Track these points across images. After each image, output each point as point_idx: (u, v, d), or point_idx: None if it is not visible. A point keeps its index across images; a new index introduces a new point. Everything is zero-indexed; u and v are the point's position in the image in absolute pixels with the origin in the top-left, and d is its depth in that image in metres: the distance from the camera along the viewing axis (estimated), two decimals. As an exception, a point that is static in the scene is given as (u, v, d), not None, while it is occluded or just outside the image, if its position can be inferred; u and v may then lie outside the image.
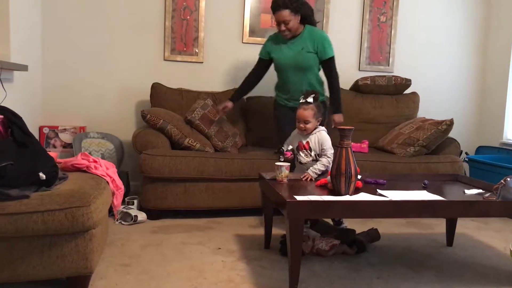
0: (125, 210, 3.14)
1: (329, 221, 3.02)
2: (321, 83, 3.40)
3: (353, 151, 2.34)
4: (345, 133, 2.27)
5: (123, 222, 3.09)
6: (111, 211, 2.58)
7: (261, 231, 2.78)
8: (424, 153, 3.74)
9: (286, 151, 2.79)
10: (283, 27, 3.17)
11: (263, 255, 2.59)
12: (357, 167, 2.31)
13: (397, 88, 4.28)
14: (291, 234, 2.08)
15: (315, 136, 2.81)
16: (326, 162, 2.73)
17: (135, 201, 3.35)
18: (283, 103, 3.39)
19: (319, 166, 2.72)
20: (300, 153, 2.83)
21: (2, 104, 2.22)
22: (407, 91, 4.39)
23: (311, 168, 2.73)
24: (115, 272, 2.27)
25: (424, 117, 4.10)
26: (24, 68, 3.13)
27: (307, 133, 2.81)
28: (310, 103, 2.76)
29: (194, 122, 3.43)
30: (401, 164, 3.56)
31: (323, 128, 2.85)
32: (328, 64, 3.32)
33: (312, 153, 2.80)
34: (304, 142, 2.83)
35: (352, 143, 2.31)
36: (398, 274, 2.39)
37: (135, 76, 4.03)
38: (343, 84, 4.30)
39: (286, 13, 3.12)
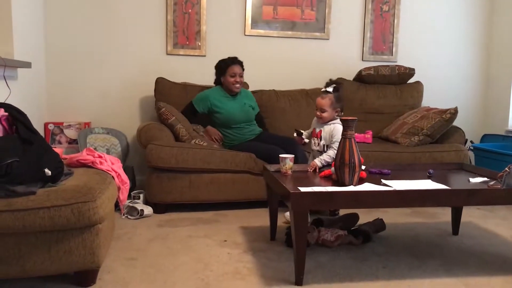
0: (131, 205, 3.16)
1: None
2: None
3: (357, 142, 2.34)
4: (349, 124, 2.27)
5: (129, 217, 3.12)
6: (117, 206, 2.59)
7: (266, 223, 2.79)
8: (429, 142, 3.73)
9: (299, 135, 2.91)
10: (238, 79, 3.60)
11: (268, 247, 2.61)
12: (361, 158, 2.31)
13: (400, 78, 4.27)
14: (295, 225, 2.08)
15: (329, 127, 2.84)
16: (332, 154, 2.73)
17: (141, 196, 3.37)
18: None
19: (325, 157, 2.75)
20: (312, 140, 2.92)
21: (6, 102, 2.23)
22: (411, 81, 4.37)
23: (318, 158, 2.77)
24: (122, 266, 2.29)
25: (428, 106, 4.08)
26: (27, 65, 3.14)
27: (323, 122, 2.85)
28: (329, 92, 2.81)
29: (198, 133, 3.51)
30: (406, 154, 3.56)
31: (339, 121, 2.83)
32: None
33: (321, 143, 2.84)
34: (318, 130, 2.89)
35: (356, 134, 2.31)
36: (404, 263, 2.39)
37: (139, 71, 4.04)
38: (347, 74, 4.33)
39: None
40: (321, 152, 2.81)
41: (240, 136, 3.58)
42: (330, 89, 2.81)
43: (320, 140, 2.85)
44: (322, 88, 2.86)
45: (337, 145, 2.66)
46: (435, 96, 4.55)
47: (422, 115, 3.83)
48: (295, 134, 2.92)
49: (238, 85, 3.59)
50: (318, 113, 2.85)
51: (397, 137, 3.81)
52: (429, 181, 2.47)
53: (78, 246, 1.97)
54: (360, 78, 4.26)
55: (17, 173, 1.90)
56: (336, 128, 2.80)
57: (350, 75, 4.34)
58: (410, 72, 4.25)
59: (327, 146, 2.81)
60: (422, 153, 3.58)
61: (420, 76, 4.40)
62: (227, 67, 3.58)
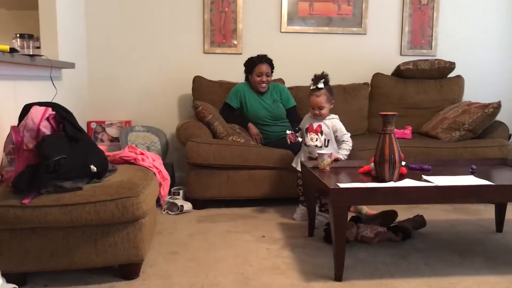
0: (171, 201, 3.23)
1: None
2: None
3: (396, 138, 2.31)
4: (388, 119, 2.24)
5: (169, 212, 3.19)
6: (158, 202, 2.65)
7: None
8: (470, 138, 3.64)
9: (291, 132, 2.89)
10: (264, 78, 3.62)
11: (307, 243, 2.61)
12: (401, 153, 2.28)
13: (440, 72, 4.17)
14: (335, 221, 2.08)
15: (329, 122, 2.84)
16: (348, 147, 2.83)
17: (181, 192, 3.44)
18: None
19: (344, 152, 2.81)
20: (308, 135, 2.85)
21: (53, 101, 2.32)
22: (451, 75, 4.27)
23: (339, 152, 2.82)
24: (164, 260, 2.35)
25: (470, 101, 3.98)
26: (71, 65, 3.26)
27: (322, 118, 2.84)
28: (321, 88, 2.78)
29: (235, 130, 3.53)
30: (447, 150, 3.48)
31: (336, 116, 2.90)
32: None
33: (323, 138, 2.81)
34: (316, 125, 2.84)
35: (395, 130, 2.28)
36: (446, 260, 2.35)
37: (177, 70, 4.11)
38: (384, 69, 4.27)
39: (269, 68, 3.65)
40: (321, 147, 2.80)
41: (272, 133, 3.59)
42: (321, 84, 2.78)
43: (321, 134, 2.82)
44: (311, 86, 2.83)
45: (346, 136, 2.84)
46: (477, 90, 4.42)
47: (464, 109, 3.73)
48: (287, 131, 2.91)
49: (264, 85, 3.61)
50: (316, 111, 2.81)
51: (437, 132, 3.73)
52: (472, 177, 2.42)
53: (122, 240, 2.03)
54: (399, 73, 4.19)
55: (64, 169, 1.98)
56: (336, 123, 2.85)
57: (388, 70, 4.28)
58: (451, 66, 4.15)
59: (328, 140, 2.82)
60: (464, 149, 3.49)
61: (461, 70, 4.28)
62: (254, 66, 3.60)
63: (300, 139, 2.89)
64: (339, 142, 2.85)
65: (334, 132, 2.84)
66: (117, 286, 2.06)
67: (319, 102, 2.79)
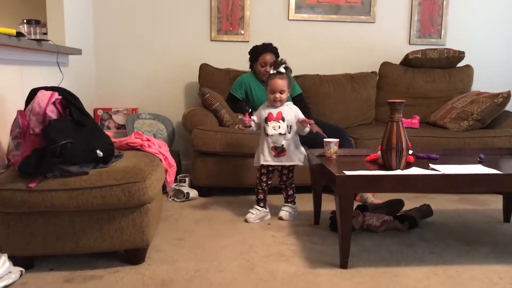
0: (177, 188, 3.24)
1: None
2: None
3: (404, 127, 2.28)
4: (396, 107, 2.22)
5: (175, 199, 3.19)
6: (164, 189, 2.66)
7: (310, 207, 2.78)
8: (479, 128, 3.61)
9: (247, 112, 2.84)
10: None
11: (312, 231, 2.61)
12: (408, 142, 2.26)
13: (449, 61, 4.13)
14: (341, 209, 2.07)
15: (288, 108, 2.72)
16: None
17: (187, 179, 3.44)
18: None
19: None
20: (269, 124, 2.69)
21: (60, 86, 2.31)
22: (460, 64, 4.22)
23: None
24: (170, 246, 2.36)
25: (479, 91, 3.94)
26: (78, 52, 3.25)
27: (281, 104, 2.70)
28: (283, 73, 2.68)
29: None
30: (455, 139, 3.46)
31: (291, 102, 2.84)
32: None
33: (285, 124, 2.67)
34: (276, 112, 2.69)
35: (403, 119, 2.25)
36: (453, 249, 2.34)
37: (183, 58, 4.10)
38: (393, 58, 4.23)
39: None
40: (285, 135, 2.67)
41: None
42: (282, 69, 2.67)
43: (283, 121, 2.67)
44: (271, 71, 2.70)
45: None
46: (486, 80, 4.37)
47: (472, 99, 3.70)
48: (239, 116, 2.88)
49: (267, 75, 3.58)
50: (277, 95, 2.66)
51: (445, 122, 3.70)
52: (480, 166, 2.39)
53: (128, 224, 2.04)
54: (407, 62, 4.15)
55: (71, 154, 1.98)
56: (295, 108, 2.76)
57: (396, 59, 4.24)
58: (460, 55, 4.11)
59: (290, 126, 2.68)
60: (472, 139, 3.46)
61: (470, 59, 4.23)
62: (258, 55, 3.55)
63: (253, 124, 2.72)
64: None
65: (296, 117, 2.71)
66: (123, 270, 2.06)
67: (282, 85, 2.65)
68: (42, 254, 2.05)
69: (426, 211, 2.79)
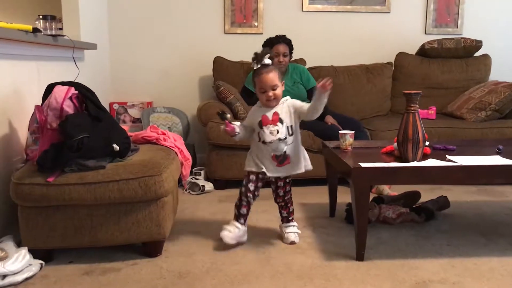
0: (193, 181, 3.26)
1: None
2: None
3: (420, 118, 2.26)
4: (412, 98, 2.19)
5: (191, 192, 3.21)
6: (180, 182, 2.68)
7: (325, 200, 2.78)
8: (497, 118, 3.56)
9: (227, 120, 2.24)
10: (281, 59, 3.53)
11: (328, 223, 2.60)
12: (425, 133, 2.24)
13: (466, 51, 4.07)
14: (357, 201, 2.07)
15: (283, 106, 2.21)
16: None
17: (202, 172, 3.46)
18: None
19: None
20: (265, 129, 2.18)
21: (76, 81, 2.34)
22: (478, 53, 4.16)
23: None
24: (187, 238, 2.37)
25: (497, 80, 3.87)
26: (93, 46, 3.28)
27: (277, 102, 2.20)
28: (269, 64, 2.19)
29: None
30: (472, 130, 3.41)
31: (287, 96, 2.28)
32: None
33: (284, 126, 2.18)
34: (271, 114, 2.19)
35: (419, 110, 2.23)
36: (470, 241, 2.32)
37: (197, 51, 4.10)
38: (409, 48, 4.18)
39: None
40: (285, 139, 2.19)
41: None
42: (267, 60, 2.18)
43: (282, 123, 2.18)
44: (254, 66, 2.20)
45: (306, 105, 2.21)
46: (505, 69, 4.30)
47: (490, 89, 3.64)
48: (222, 128, 2.29)
49: (281, 66, 3.54)
50: (270, 93, 2.15)
51: (462, 112, 3.65)
52: (498, 157, 2.36)
53: (145, 218, 2.06)
54: (423, 52, 4.10)
55: (87, 148, 2.00)
56: (291, 101, 2.24)
57: (412, 49, 4.19)
58: (477, 44, 4.04)
59: (292, 127, 2.21)
60: (490, 129, 3.42)
61: (488, 48, 4.17)
62: (271, 46, 3.53)
63: (238, 130, 2.24)
64: (306, 112, 2.19)
65: (296, 110, 2.22)
66: (140, 263, 2.09)
67: (272, 80, 2.14)
68: (61, 247, 2.08)
69: (443, 202, 2.76)
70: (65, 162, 1.98)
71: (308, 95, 3.63)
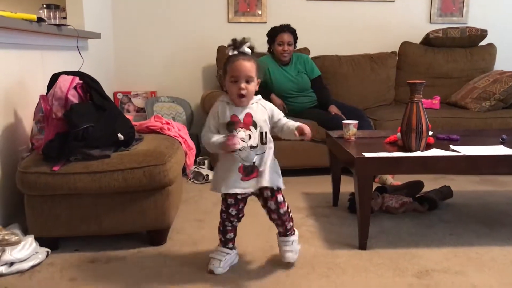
0: (197, 170, 3.27)
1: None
2: None
3: (424, 107, 2.26)
4: (416, 87, 2.19)
5: (195, 181, 3.23)
6: (184, 171, 2.69)
7: (329, 189, 2.79)
8: (501, 108, 3.55)
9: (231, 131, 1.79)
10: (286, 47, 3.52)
11: (331, 212, 2.62)
12: (428, 123, 2.24)
13: (471, 40, 4.05)
14: (360, 191, 2.08)
15: (257, 107, 1.84)
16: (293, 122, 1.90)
17: (206, 162, 3.47)
18: None
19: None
20: (234, 134, 1.78)
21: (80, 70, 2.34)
22: (483, 43, 4.13)
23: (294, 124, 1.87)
24: (191, 227, 2.39)
25: (502, 70, 3.86)
26: (97, 36, 3.28)
27: (248, 101, 1.81)
28: (248, 54, 1.81)
29: None
30: (476, 120, 3.41)
31: (259, 96, 1.89)
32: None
33: (257, 132, 1.81)
34: (243, 114, 1.80)
35: (423, 100, 2.23)
36: (473, 231, 2.33)
37: (201, 40, 4.10)
38: (413, 37, 4.16)
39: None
40: (256, 148, 1.81)
41: (298, 105, 3.55)
42: (247, 49, 1.81)
43: (256, 127, 1.81)
44: (229, 52, 1.82)
45: (284, 119, 1.91)
46: (510, 59, 4.26)
47: (495, 79, 3.63)
48: (226, 139, 1.75)
49: (286, 54, 3.54)
50: (242, 85, 1.75)
51: (466, 102, 3.65)
52: (502, 147, 2.36)
53: (150, 206, 2.08)
54: (428, 41, 4.08)
55: (92, 137, 2.02)
56: (267, 104, 1.89)
57: (416, 39, 4.17)
58: (482, 33, 4.02)
59: (265, 133, 1.83)
60: (494, 119, 3.41)
61: (493, 38, 4.14)
62: (276, 35, 3.53)
63: (244, 140, 1.79)
64: (279, 129, 1.90)
65: (272, 117, 1.88)
66: (145, 251, 2.11)
67: (248, 69, 1.76)
68: (67, 235, 2.11)
69: (446, 192, 2.77)
70: (70, 151, 1.99)
71: (312, 85, 3.63)
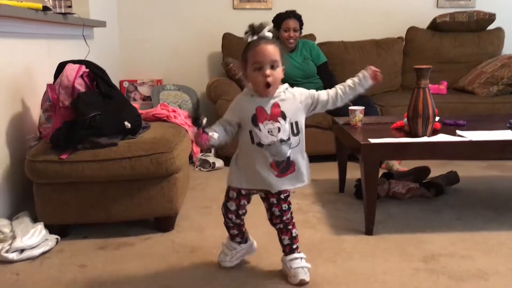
0: (203, 158, 3.29)
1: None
2: None
3: (431, 93, 2.25)
4: (422, 73, 2.18)
5: (202, 169, 3.25)
6: (191, 159, 2.70)
7: (335, 176, 2.79)
8: (509, 92, 3.53)
9: (199, 126, 1.56)
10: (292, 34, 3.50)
11: (337, 198, 2.63)
12: (435, 108, 2.23)
13: (479, 24, 4.00)
14: (366, 177, 2.08)
15: (286, 95, 1.66)
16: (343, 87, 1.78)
17: (212, 149, 3.48)
18: None
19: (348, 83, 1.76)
20: (261, 127, 1.61)
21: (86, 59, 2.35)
22: (491, 27, 4.09)
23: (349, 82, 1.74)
24: (198, 214, 2.41)
25: (510, 54, 3.82)
26: (103, 24, 3.28)
27: (274, 89, 1.63)
28: (269, 38, 1.62)
29: None
30: (483, 105, 3.39)
31: (287, 84, 1.71)
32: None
33: (287, 123, 1.62)
34: (270, 106, 1.62)
35: (430, 85, 2.21)
36: (480, 216, 2.33)
37: (206, 27, 4.09)
38: (420, 22, 4.12)
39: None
40: (288, 140, 1.63)
41: None
42: (268, 33, 1.61)
43: (284, 119, 1.62)
44: (248, 38, 1.61)
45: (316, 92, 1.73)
46: (519, 43, 4.23)
47: (503, 63, 3.59)
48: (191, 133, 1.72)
49: (292, 41, 3.52)
50: (267, 71, 1.57)
51: (474, 87, 3.62)
52: (510, 131, 2.34)
53: (157, 194, 2.09)
54: (435, 26, 4.04)
55: (100, 125, 2.03)
56: (295, 91, 1.70)
57: (423, 24, 4.13)
58: (490, 17, 3.97)
59: (296, 124, 1.65)
60: (502, 104, 3.39)
61: (502, 22, 4.09)
62: (281, 21, 3.51)
63: (216, 135, 1.60)
64: (325, 102, 1.72)
65: (306, 102, 1.69)
66: (153, 237, 2.14)
67: (273, 53, 1.59)
68: (76, 223, 2.14)
69: (452, 178, 2.77)
70: (78, 139, 2.01)
71: (318, 72, 3.62)
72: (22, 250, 1.92)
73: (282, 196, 1.75)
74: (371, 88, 1.67)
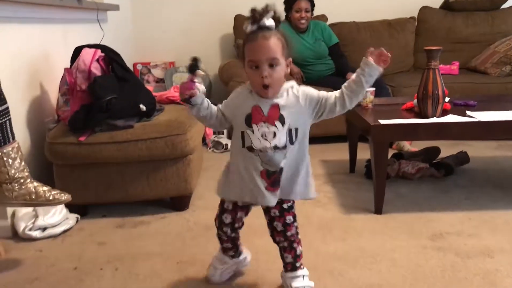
0: (216, 139, 3.35)
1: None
2: None
3: (442, 74, 2.26)
4: (432, 54, 2.19)
5: (215, 150, 3.31)
6: (204, 141, 2.76)
7: (345, 156, 2.83)
8: (523, 72, 3.50)
9: (193, 71, 1.45)
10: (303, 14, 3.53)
11: (348, 179, 2.67)
12: (445, 89, 2.25)
13: (493, 3, 3.96)
14: (376, 157, 2.12)
15: (288, 96, 1.40)
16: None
17: (225, 131, 3.53)
18: None
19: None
20: (256, 128, 1.39)
21: (101, 43, 2.41)
22: (505, 6, 4.04)
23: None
24: (211, 194, 2.42)
25: (524, 33, 3.79)
26: (116, 8, 3.32)
27: (274, 90, 1.38)
28: (271, 28, 1.35)
29: None
30: (495, 85, 3.38)
31: (293, 82, 1.45)
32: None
33: (285, 128, 1.38)
34: (268, 107, 1.39)
35: (441, 65, 2.22)
36: (489, 195, 2.36)
37: (218, 9, 4.10)
38: (432, 2, 4.09)
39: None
40: (283, 149, 1.39)
41: (316, 72, 3.57)
42: (268, 21, 1.34)
43: (283, 123, 1.38)
44: (248, 27, 1.36)
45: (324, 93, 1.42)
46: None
47: (516, 43, 3.57)
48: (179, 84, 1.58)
49: (303, 21, 3.54)
50: (264, 72, 1.32)
51: (486, 67, 3.61)
52: (520, 112, 2.36)
53: (172, 174, 2.16)
54: (447, 5, 4.01)
55: (116, 108, 2.09)
56: (301, 91, 1.42)
57: (436, 3, 4.09)
58: (505, -4, 3.93)
59: (295, 130, 1.39)
60: (514, 84, 3.37)
61: (516, 0, 4.04)
62: (293, 2, 3.52)
63: (201, 88, 1.46)
64: (330, 105, 1.40)
65: (312, 106, 1.41)
66: (169, 216, 2.21)
67: (271, 50, 1.32)
68: (95, 203, 2.22)
69: (462, 158, 2.79)
70: (95, 122, 2.08)
71: (330, 53, 3.63)
72: (44, 228, 2.00)
73: (285, 206, 1.50)
74: (384, 70, 1.47)
